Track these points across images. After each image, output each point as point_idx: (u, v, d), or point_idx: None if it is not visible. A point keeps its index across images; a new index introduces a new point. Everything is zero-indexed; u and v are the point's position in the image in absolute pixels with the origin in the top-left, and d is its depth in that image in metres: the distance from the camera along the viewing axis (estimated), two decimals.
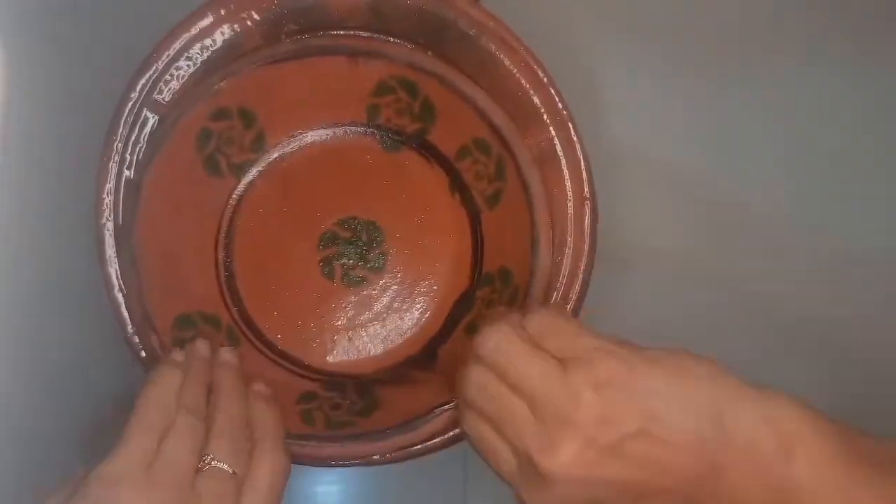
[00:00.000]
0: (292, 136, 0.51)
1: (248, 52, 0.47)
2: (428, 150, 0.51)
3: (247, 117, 0.49)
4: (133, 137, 0.46)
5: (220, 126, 0.49)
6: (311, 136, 0.51)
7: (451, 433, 0.46)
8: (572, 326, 0.38)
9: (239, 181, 0.51)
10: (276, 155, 0.51)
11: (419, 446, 0.46)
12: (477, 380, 0.38)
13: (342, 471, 0.55)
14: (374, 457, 0.46)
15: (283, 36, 0.47)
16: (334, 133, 0.51)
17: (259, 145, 0.51)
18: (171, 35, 0.46)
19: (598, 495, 0.35)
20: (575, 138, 0.47)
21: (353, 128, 0.51)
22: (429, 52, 0.48)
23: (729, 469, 0.34)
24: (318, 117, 0.51)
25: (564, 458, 0.34)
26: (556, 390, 0.35)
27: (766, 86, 0.53)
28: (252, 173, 0.51)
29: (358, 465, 0.47)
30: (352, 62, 0.48)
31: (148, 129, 0.47)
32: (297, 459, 0.46)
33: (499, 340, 0.37)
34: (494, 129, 0.48)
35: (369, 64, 0.48)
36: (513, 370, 0.37)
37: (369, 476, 0.55)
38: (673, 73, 0.53)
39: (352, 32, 0.48)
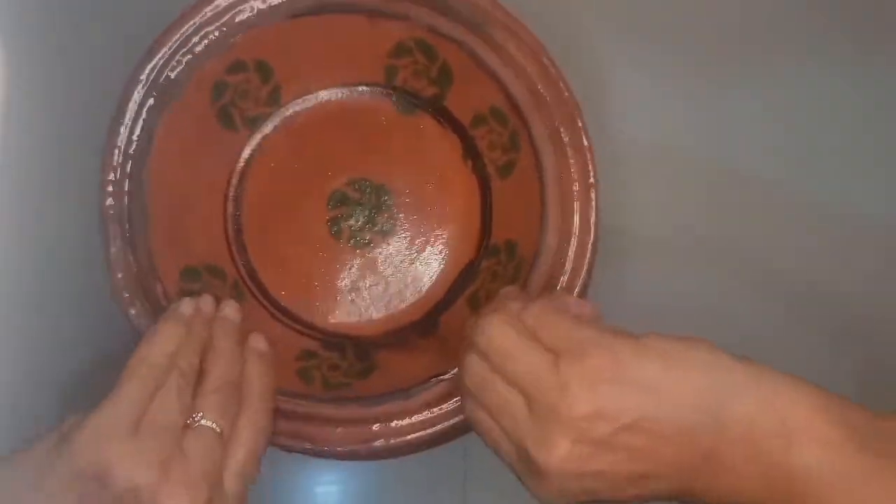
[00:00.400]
0: (308, 92, 0.51)
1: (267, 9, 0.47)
2: (443, 116, 0.51)
3: (263, 71, 0.49)
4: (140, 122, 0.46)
5: (237, 79, 0.49)
6: (327, 94, 0.51)
7: (447, 405, 0.46)
8: (567, 318, 0.37)
9: (252, 135, 0.51)
10: (290, 111, 0.51)
11: (415, 419, 0.45)
12: (473, 369, 0.38)
13: (342, 471, 0.55)
14: (374, 426, 0.45)
15: None
16: (350, 92, 0.51)
17: (274, 100, 0.50)
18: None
19: (593, 486, 0.35)
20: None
21: (370, 88, 0.51)
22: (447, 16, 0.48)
23: (725, 458, 0.34)
24: (334, 75, 0.51)
25: (558, 452, 0.35)
26: (547, 385, 0.35)
27: (766, 86, 0.53)
28: (266, 128, 0.51)
29: (357, 437, 0.46)
30: (371, 22, 0.48)
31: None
32: (294, 418, 0.45)
33: (493, 332, 0.37)
34: (511, 99, 0.48)
35: (388, 24, 0.48)
36: (508, 363, 0.37)
37: (369, 475, 0.55)
38: (673, 73, 0.53)
39: None
